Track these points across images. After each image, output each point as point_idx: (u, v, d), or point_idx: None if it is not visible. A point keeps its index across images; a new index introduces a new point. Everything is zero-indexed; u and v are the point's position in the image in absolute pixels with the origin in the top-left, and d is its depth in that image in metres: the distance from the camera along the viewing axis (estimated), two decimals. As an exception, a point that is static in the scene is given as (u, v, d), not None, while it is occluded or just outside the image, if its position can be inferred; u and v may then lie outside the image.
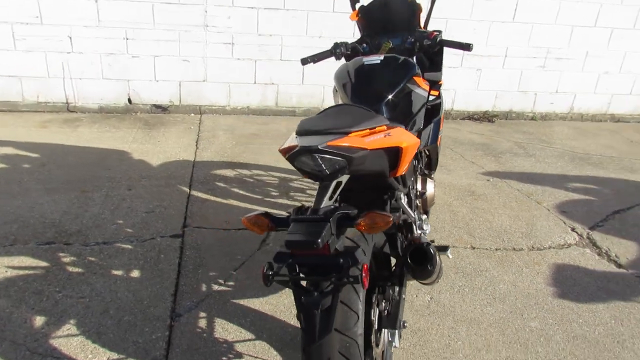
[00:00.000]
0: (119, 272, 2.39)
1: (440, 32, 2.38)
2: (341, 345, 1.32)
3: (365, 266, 1.22)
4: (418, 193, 2.36)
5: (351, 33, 4.74)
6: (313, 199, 1.36)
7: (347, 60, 2.44)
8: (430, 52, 2.50)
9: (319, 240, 1.18)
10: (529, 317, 2.30)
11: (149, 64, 4.60)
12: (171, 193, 3.21)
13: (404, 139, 1.53)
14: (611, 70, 5.39)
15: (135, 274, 2.39)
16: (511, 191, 3.63)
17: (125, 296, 2.23)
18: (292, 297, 1.31)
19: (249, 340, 2.04)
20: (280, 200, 3.21)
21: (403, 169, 1.61)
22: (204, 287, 2.34)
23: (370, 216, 1.25)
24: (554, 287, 2.53)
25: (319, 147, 1.30)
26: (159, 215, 2.94)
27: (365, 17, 2.57)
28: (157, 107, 4.76)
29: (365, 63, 2.13)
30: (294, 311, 2.21)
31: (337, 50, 2.41)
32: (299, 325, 1.22)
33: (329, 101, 5.02)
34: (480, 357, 2.04)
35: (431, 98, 2.31)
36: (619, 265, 2.78)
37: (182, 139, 4.16)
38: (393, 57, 2.14)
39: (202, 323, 2.11)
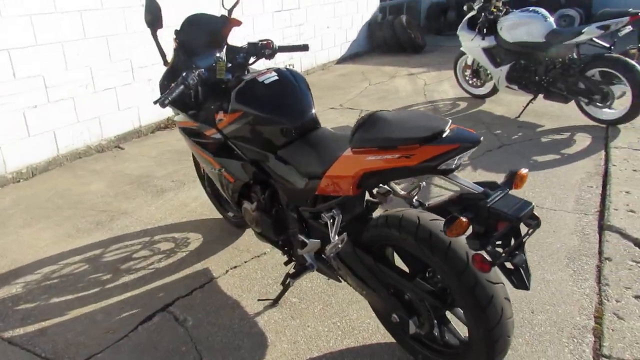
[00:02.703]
0: None
1: (272, 41, 2.51)
2: (503, 292, 1.61)
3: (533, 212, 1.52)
4: None
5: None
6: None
7: (192, 88, 2.25)
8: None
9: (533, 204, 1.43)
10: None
11: None
12: None
13: None
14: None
15: None
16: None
17: None
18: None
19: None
20: (125, 279, 2.65)
21: None
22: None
23: (519, 175, 1.54)
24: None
25: (480, 139, 1.48)
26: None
27: (183, 41, 2.44)
28: None
29: (266, 82, 2.13)
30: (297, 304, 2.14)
31: (189, 82, 2.21)
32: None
33: (65, 149, 4.00)
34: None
35: None
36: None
37: None
38: (286, 72, 2.22)
39: None
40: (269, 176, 2.19)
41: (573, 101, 4.82)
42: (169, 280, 2.64)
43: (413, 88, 6.60)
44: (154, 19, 2.35)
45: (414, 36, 9.05)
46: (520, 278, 1.50)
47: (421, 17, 11.66)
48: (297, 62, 7.44)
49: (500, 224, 1.45)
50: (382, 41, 9.16)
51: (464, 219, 1.42)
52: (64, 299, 2.52)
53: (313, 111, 2.13)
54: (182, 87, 2.19)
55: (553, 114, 5.18)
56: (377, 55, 9.10)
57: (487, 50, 5.27)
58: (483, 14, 5.24)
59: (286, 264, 2.36)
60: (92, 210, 3.47)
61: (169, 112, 5.40)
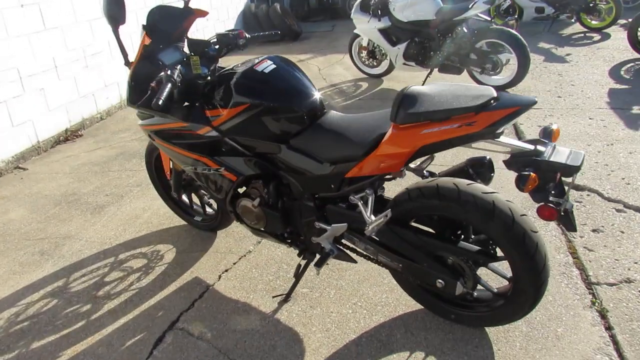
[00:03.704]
0: None
1: (243, 30, 2.43)
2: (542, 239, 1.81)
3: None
4: None
5: None
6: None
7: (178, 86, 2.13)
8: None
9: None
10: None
11: None
12: None
13: None
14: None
15: None
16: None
17: None
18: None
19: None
20: (110, 305, 2.40)
21: None
22: None
23: (555, 131, 1.72)
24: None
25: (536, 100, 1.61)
26: None
27: (152, 37, 2.26)
28: None
29: (267, 71, 2.08)
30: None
31: (176, 79, 2.08)
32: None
33: None
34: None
35: None
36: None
37: None
38: (278, 59, 2.18)
39: None
40: (278, 168, 2.14)
41: (465, 71, 5.33)
42: (160, 297, 2.45)
43: (310, 74, 6.64)
44: (116, 14, 2.13)
45: (290, 24, 9.16)
46: (570, 222, 1.69)
47: (285, 5, 11.80)
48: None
49: (557, 174, 1.62)
50: (259, 30, 9.12)
51: (533, 174, 1.56)
52: (48, 340, 2.21)
53: (318, 96, 2.12)
54: (169, 85, 2.04)
55: (449, 85, 5.66)
56: (258, 45, 9.04)
57: (383, 31, 5.56)
58: (375, -4, 5.51)
59: (300, 255, 2.33)
60: (26, 240, 3.04)
61: (66, 123, 4.87)
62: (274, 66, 2.11)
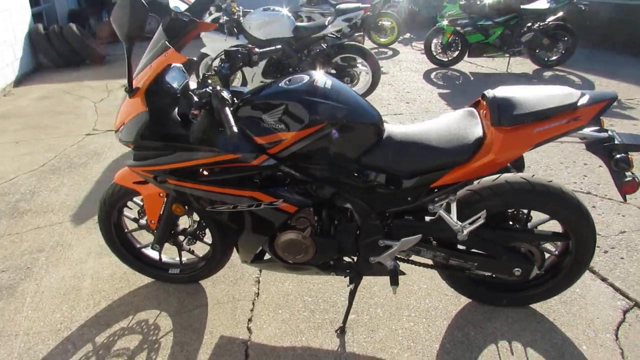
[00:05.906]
0: None
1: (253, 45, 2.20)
2: None
3: None
4: None
5: None
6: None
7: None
8: None
9: None
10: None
11: None
12: None
13: None
14: None
15: None
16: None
17: None
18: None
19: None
20: None
21: None
22: None
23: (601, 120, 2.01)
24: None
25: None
26: None
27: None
28: None
29: (328, 86, 1.97)
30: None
31: (230, 101, 1.80)
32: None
33: None
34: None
35: None
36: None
37: None
38: (324, 73, 2.04)
39: None
40: (343, 191, 1.98)
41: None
42: (198, 370, 2.01)
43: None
44: (135, 29, 1.70)
45: (88, 45, 8.13)
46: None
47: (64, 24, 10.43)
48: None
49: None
50: (54, 54, 7.85)
51: (630, 157, 1.81)
52: None
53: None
54: (227, 108, 1.73)
55: (308, 99, 5.86)
56: (54, 71, 7.78)
57: (240, 50, 5.44)
58: (225, 15, 5.36)
59: (352, 281, 2.18)
60: None
61: None
62: (331, 81, 1.96)
